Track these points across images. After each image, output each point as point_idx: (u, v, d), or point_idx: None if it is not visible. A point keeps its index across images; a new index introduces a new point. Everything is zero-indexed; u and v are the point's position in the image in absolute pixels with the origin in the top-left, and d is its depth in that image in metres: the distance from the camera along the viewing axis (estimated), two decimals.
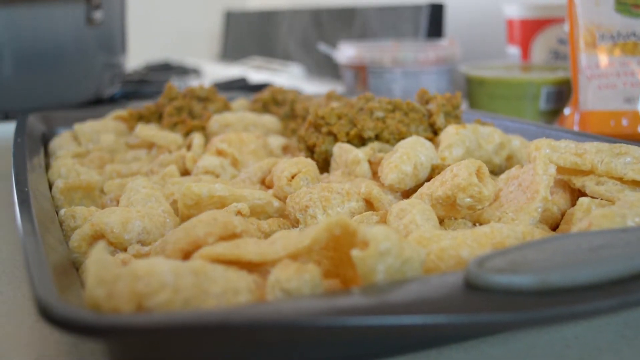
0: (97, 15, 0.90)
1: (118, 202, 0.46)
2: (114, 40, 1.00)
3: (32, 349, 0.33)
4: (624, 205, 0.35)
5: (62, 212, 0.43)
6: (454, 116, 0.55)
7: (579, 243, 0.29)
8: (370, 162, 0.49)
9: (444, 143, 0.49)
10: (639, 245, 0.29)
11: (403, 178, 0.44)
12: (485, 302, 0.25)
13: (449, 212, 0.41)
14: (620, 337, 0.32)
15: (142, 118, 0.70)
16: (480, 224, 0.40)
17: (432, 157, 0.47)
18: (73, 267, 0.37)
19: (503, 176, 0.44)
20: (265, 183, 0.50)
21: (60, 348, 0.32)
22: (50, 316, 0.24)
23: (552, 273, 0.26)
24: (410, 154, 0.45)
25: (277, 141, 0.61)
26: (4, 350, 0.33)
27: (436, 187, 0.41)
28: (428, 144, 0.48)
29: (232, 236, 0.34)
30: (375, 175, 0.48)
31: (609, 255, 0.28)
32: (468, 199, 0.39)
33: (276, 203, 0.44)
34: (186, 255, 0.33)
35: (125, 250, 0.39)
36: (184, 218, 0.42)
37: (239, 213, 0.40)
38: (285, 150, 0.62)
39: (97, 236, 0.39)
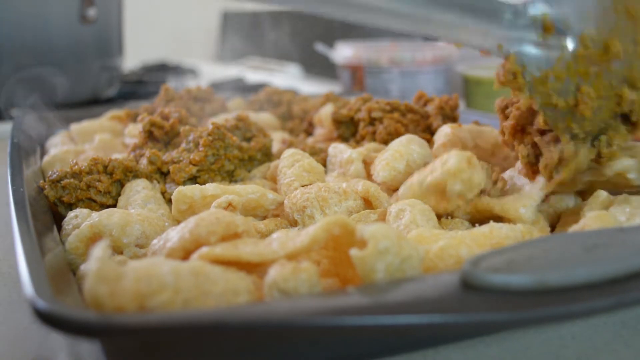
0: (91, 12, 0.90)
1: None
2: (110, 41, 1.00)
3: (28, 349, 0.32)
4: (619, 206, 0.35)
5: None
6: (451, 118, 0.56)
7: (575, 242, 0.29)
8: (365, 162, 0.49)
9: (439, 142, 0.49)
10: (635, 245, 0.29)
11: (395, 175, 0.44)
12: (482, 301, 0.25)
13: (440, 203, 0.40)
14: (617, 337, 0.32)
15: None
16: (479, 219, 0.40)
17: (426, 155, 0.47)
18: (69, 268, 0.37)
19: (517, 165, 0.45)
20: (267, 177, 0.50)
21: (57, 348, 0.32)
22: (43, 315, 0.24)
23: (548, 272, 0.26)
24: (402, 151, 0.45)
25: (277, 135, 0.61)
26: (0, 351, 0.32)
27: (426, 175, 0.40)
28: (422, 142, 0.48)
29: (234, 236, 0.33)
30: (369, 176, 0.48)
31: (605, 255, 0.28)
32: (458, 185, 0.38)
33: (271, 195, 0.43)
34: (187, 254, 0.32)
35: (121, 253, 0.38)
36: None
37: (229, 205, 0.39)
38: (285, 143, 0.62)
39: (95, 238, 0.38)
